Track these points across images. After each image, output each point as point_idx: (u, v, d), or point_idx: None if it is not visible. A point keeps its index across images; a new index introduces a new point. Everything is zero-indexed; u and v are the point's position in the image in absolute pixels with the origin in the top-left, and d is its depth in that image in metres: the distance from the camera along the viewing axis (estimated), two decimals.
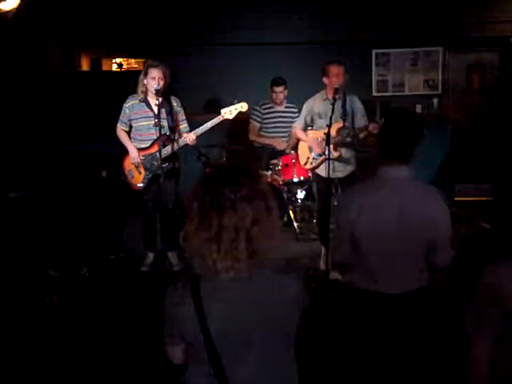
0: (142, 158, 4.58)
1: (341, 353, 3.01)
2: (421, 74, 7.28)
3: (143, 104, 4.54)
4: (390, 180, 2.39)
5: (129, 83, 4.67)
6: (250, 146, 6.05)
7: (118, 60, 7.80)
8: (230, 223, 1.53)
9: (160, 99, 4.35)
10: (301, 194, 5.77)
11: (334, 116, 4.24)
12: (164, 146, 4.36)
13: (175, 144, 4.47)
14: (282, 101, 5.82)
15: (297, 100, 5.50)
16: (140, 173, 4.62)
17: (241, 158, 5.92)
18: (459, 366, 1.67)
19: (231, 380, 1.57)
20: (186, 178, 4.57)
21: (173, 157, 4.55)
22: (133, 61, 7.83)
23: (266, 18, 6.89)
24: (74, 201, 6.15)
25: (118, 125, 4.65)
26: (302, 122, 4.80)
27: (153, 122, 4.41)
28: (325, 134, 4.27)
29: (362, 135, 4.44)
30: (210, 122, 4.52)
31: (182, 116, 4.69)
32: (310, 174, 5.36)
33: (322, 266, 4.60)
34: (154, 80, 4.38)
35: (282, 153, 5.75)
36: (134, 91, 4.56)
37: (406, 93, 7.29)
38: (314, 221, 5.56)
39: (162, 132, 4.33)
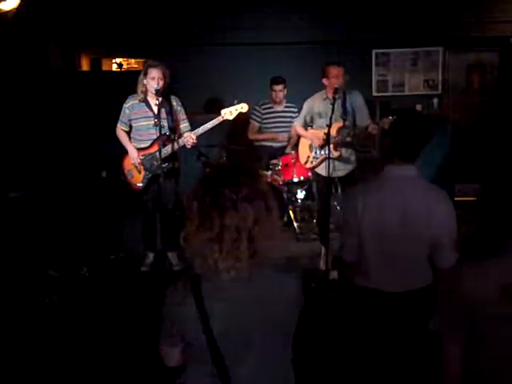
0: (141, 157, 4.58)
1: (340, 352, 3.01)
2: (421, 74, 7.28)
3: (143, 104, 4.54)
4: (394, 179, 2.40)
5: (129, 83, 4.67)
6: (249, 146, 6.05)
7: (118, 60, 7.79)
8: (232, 223, 1.53)
9: (160, 99, 4.35)
10: (301, 194, 5.77)
11: (334, 115, 4.24)
12: (164, 145, 4.37)
13: (175, 144, 4.46)
14: (281, 100, 5.82)
15: (297, 100, 5.50)
16: (140, 173, 4.62)
17: (241, 158, 5.92)
18: (434, 367, 1.70)
19: (233, 380, 1.57)
20: (185, 178, 4.57)
21: (173, 157, 4.55)
22: (133, 61, 7.83)
23: (265, 17, 6.89)
24: (74, 201, 6.15)
25: (118, 125, 4.65)
26: (302, 121, 4.80)
27: (152, 122, 4.41)
28: (325, 133, 4.27)
29: (362, 135, 4.44)
30: (209, 123, 4.51)
31: (182, 115, 4.69)
32: (309, 174, 5.36)
33: (322, 265, 4.60)
34: (153, 80, 4.38)
35: (282, 153, 5.75)
36: (133, 91, 4.56)
37: (406, 93, 7.29)
38: (314, 221, 5.56)
39: (162, 132, 4.33)
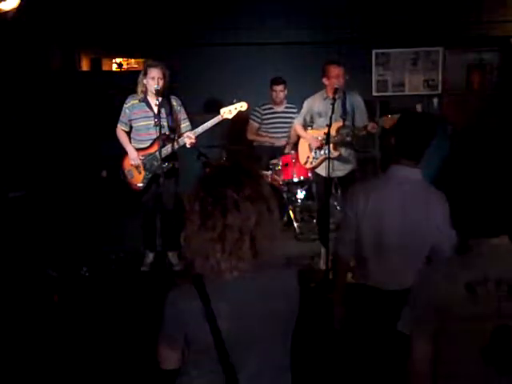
0: (141, 157, 4.58)
1: (340, 352, 3.01)
2: (421, 74, 7.27)
3: (143, 104, 4.54)
4: (399, 179, 2.41)
5: (129, 83, 4.67)
6: (249, 146, 6.05)
7: (118, 60, 7.79)
8: (235, 223, 1.53)
9: (160, 99, 4.35)
10: (301, 194, 5.77)
11: (333, 115, 4.24)
12: (164, 145, 4.37)
13: (175, 143, 4.47)
14: (281, 100, 5.82)
15: (297, 100, 5.50)
16: (140, 173, 4.62)
17: (241, 158, 5.91)
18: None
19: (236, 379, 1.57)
20: (185, 177, 4.57)
21: (172, 156, 4.55)
22: (133, 61, 7.82)
23: (265, 18, 6.88)
24: (74, 201, 6.15)
25: (118, 125, 4.65)
26: (302, 120, 4.81)
27: (152, 122, 4.41)
28: (325, 133, 4.27)
29: (361, 134, 4.44)
30: (209, 122, 4.52)
31: (183, 115, 4.69)
32: (309, 174, 5.36)
33: (322, 265, 4.61)
34: (153, 80, 4.38)
35: (282, 153, 5.75)
36: (133, 91, 4.56)
37: (406, 93, 7.28)
38: (314, 221, 5.56)
39: (162, 132, 4.33)
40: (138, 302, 4.05)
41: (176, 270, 4.67)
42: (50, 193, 5.94)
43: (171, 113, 4.50)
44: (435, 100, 7.27)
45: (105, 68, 7.67)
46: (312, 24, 6.90)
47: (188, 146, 4.52)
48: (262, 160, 5.81)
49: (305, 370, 1.89)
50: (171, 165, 4.54)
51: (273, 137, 5.87)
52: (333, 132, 4.31)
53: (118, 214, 5.99)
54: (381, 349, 2.43)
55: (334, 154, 4.46)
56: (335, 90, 4.32)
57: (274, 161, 5.71)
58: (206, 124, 4.52)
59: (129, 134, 4.66)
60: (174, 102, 4.61)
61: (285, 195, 5.71)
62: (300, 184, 5.65)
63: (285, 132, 5.82)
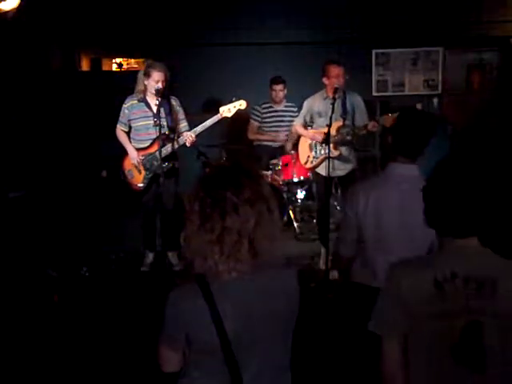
0: (141, 157, 4.58)
1: (340, 352, 3.01)
2: (421, 74, 7.27)
3: (142, 104, 4.54)
4: (396, 177, 2.42)
5: (129, 83, 4.66)
6: (249, 146, 6.05)
7: (118, 60, 7.79)
8: (234, 226, 1.52)
9: (159, 99, 4.35)
10: (301, 194, 5.77)
11: (333, 115, 4.24)
12: (163, 145, 4.37)
13: (175, 143, 4.46)
14: (281, 99, 5.83)
15: (297, 100, 5.50)
16: (140, 173, 4.62)
17: (241, 158, 5.91)
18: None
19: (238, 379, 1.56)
20: (185, 177, 4.57)
21: (172, 156, 4.55)
22: (133, 61, 7.82)
23: (265, 18, 6.88)
24: (74, 201, 6.15)
25: (118, 125, 4.65)
26: (302, 120, 4.80)
27: (152, 122, 4.41)
28: (325, 133, 4.27)
29: (361, 133, 4.44)
30: (208, 121, 4.52)
31: (181, 115, 4.69)
32: (309, 174, 5.36)
33: (322, 265, 4.60)
34: (156, 82, 4.38)
35: (282, 153, 5.75)
36: (133, 91, 4.56)
37: (406, 93, 7.28)
38: (314, 221, 5.56)
39: (162, 131, 4.33)
40: (138, 302, 4.05)
41: (176, 270, 4.67)
42: (50, 193, 5.93)
43: (171, 113, 4.50)
44: (435, 100, 7.27)
45: (105, 68, 7.66)
46: (312, 24, 6.90)
47: (188, 145, 4.52)
48: (262, 160, 5.82)
49: (305, 370, 1.89)
50: (171, 164, 4.54)
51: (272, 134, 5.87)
52: (333, 131, 4.31)
53: (118, 214, 5.99)
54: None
55: (335, 153, 4.46)
56: (335, 90, 4.32)
57: (274, 161, 5.71)
58: (205, 123, 4.52)
59: (128, 134, 4.66)
60: (174, 101, 4.61)
61: (285, 195, 5.71)
62: (300, 184, 5.66)
63: (284, 131, 5.82)
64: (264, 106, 5.90)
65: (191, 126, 4.66)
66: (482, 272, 1.55)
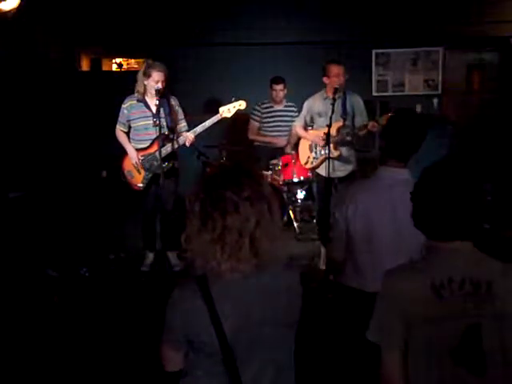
0: (141, 158, 4.57)
1: (340, 352, 3.01)
2: (421, 74, 7.27)
3: (141, 104, 4.54)
4: (385, 179, 2.40)
5: (129, 83, 4.66)
6: (249, 146, 6.05)
7: (118, 60, 7.80)
8: (234, 225, 1.52)
9: (159, 99, 4.35)
10: (301, 194, 5.77)
11: (334, 115, 4.24)
12: (163, 145, 4.37)
13: (175, 143, 4.46)
14: (281, 99, 5.83)
15: (297, 100, 5.51)
16: (140, 173, 4.62)
17: (241, 158, 5.91)
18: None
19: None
20: (185, 177, 4.57)
21: (172, 156, 4.55)
22: (133, 61, 7.83)
23: (265, 18, 6.88)
24: (74, 201, 6.15)
25: (117, 126, 4.64)
26: (302, 121, 4.80)
27: (151, 122, 4.41)
28: (325, 134, 4.27)
29: (361, 133, 4.44)
30: (208, 121, 4.52)
31: (180, 115, 4.69)
32: (310, 174, 5.36)
33: (322, 265, 4.60)
34: (156, 83, 4.38)
35: (282, 153, 5.75)
36: (133, 91, 4.56)
37: (406, 93, 7.28)
38: (314, 221, 5.56)
39: (161, 132, 4.33)
40: (138, 302, 4.05)
41: (176, 271, 4.67)
42: (50, 193, 5.93)
43: (170, 113, 4.49)
44: (435, 100, 7.28)
45: (105, 68, 7.68)
46: (312, 24, 6.90)
47: (187, 144, 4.52)
48: (262, 160, 5.81)
49: (305, 370, 1.89)
50: (171, 164, 4.54)
51: (273, 136, 5.87)
52: (333, 132, 4.31)
53: (117, 214, 5.99)
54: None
55: (335, 153, 4.46)
56: (335, 90, 4.32)
57: (274, 161, 5.71)
58: (205, 123, 4.51)
59: (128, 134, 4.66)
60: (173, 101, 4.61)
61: (285, 195, 5.70)
62: (300, 184, 5.65)
63: (284, 130, 5.82)
64: (264, 105, 5.90)
65: (191, 127, 4.65)
66: (477, 274, 1.55)
